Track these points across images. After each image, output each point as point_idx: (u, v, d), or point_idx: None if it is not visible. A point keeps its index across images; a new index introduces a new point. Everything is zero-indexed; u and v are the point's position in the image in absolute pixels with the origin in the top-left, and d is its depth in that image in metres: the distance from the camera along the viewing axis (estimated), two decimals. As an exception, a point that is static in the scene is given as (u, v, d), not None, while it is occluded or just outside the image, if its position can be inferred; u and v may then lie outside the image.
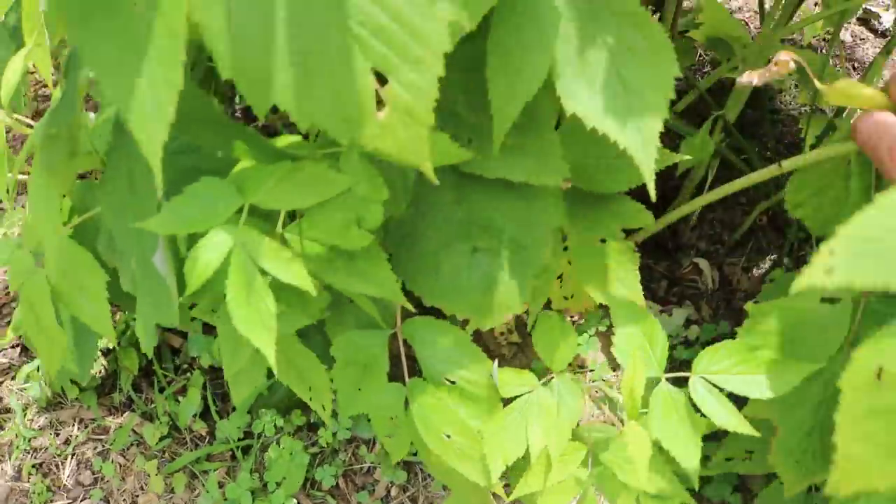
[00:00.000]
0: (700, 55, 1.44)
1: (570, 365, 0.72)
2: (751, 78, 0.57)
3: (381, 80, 0.36)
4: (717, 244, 1.15)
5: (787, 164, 0.64)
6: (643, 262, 1.14)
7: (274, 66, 0.35)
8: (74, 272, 0.64)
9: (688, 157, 0.73)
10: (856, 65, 1.53)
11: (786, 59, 0.55)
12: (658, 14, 0.89)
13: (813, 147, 1.09)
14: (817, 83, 0.53)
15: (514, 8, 0.48)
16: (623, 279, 0.77)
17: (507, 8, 0.48)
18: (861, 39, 1.57)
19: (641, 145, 0.48)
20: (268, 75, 0.35)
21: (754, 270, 1.13)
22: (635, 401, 0.57)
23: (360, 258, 0.53)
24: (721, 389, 0.60)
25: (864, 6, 1.62)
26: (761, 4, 1.06)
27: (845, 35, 1.62)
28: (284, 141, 0.49)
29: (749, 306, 0.66)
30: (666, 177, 1.22)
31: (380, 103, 0.37)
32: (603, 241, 0.76)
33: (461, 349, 0.63)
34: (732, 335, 1.05)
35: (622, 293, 0.77)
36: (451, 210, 0.57)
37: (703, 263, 1.11)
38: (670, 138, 1.03)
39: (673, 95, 0.47)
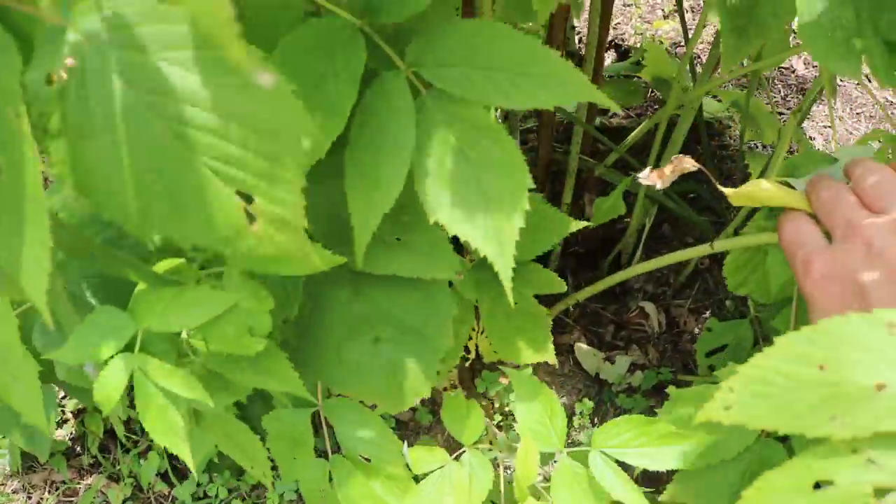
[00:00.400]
0: (651, 92, 1.47)
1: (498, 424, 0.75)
2: (653, 181, 0.60)
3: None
4: (664, 286, 1.18)
5: (718, 245, 0.67)
6: (592, 306, 1.17)
7: (147, 205, 0.37)
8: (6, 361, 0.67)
9: (591, 224, 0.76)
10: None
11: (680, 163, 0.58)
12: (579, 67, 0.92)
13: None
14: (719, 187, 0.56)
15: (368, 123, 0.50)
16: (535, 341, 0.80)
17: (362, 123, 0.50)
18: (814, 66, 1.60)
19: (500, 253, 0.50)
20: (144, 212, 0.38)
21: (701, 312, 1.15)
22: (528, 479, 0.59)
23: (262, 357, 0.56)
24: (620, 463, 0.62)
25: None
26: (689, 55, 1.08)
27: (797, 63, 1.64)
28: (166, 265, 0.52)
29: (671, 390, 0.68)
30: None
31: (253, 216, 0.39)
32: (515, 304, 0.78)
33: (374, 429, 0.66)
34: (675, 382, 1.07)
35: (533, 356, 0.79)
36: (348, 305, 0.60)
37: (650, 307, 1.14)
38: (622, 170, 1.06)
39: (527, 206, 0.49)
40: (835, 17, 0.57)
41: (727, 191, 0.55)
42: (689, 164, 0.57)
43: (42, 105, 0.35)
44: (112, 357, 0.51)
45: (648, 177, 0.59)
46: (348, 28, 0.50)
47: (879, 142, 0.70)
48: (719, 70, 0.98)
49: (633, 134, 0.97)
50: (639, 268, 0.79)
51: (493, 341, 0.79)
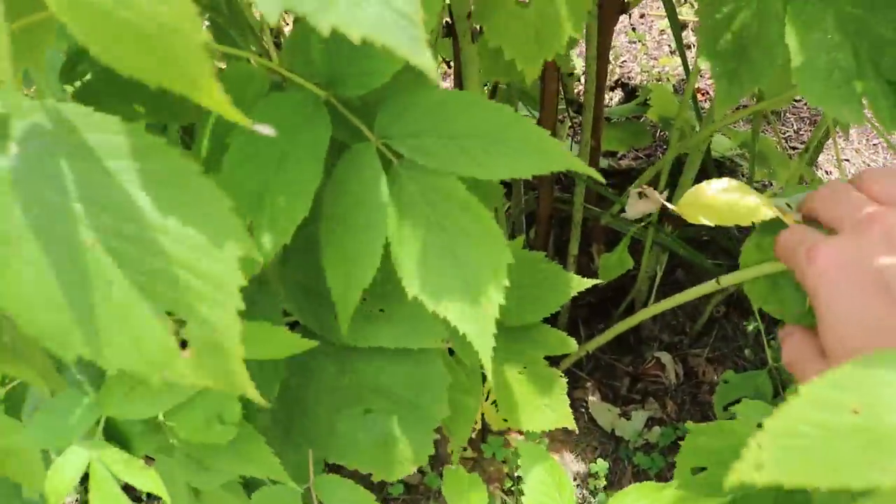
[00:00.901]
0: (660, 132, 1.44)
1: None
2: (639, 212, 0.57)
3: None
4: (681, 334, 1.13)
5: (725, 279, 0.64)
6: (606, 358, 1.13)
7: (70, 323, 0.35)
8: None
9: (599, 281, 0.72)
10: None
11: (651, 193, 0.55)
12: (579, 118, 0.89)
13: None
14: (669, 206, 0.53)
15: (340, 197, 0.48)
16: (550, 404, 0.77)
17: (335, 197, 0.48)
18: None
19: (479, 332, 0.47)
20: (64, 332, 0.35)
21: (720, 361, 1.10)
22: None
23: (239, 441, 0.53)
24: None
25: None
26: (694, 99, 1.05)
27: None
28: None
29: (689, 426, 0.64)
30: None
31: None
32: (521, 372, 0.75)
33: (367, 510, 0.62)
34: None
35: (551, 419, 0.76)
36: (336, 378, 0.57)
37: (666, 357, 1.09)
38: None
39: (506, 282, 0.46)
40: (831, 58, 0.54)
41: (675, 207, 0.52)
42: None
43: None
44: (69, 444, 0.49)
45: (633, 211, 0.57)
46: (311, 102, 0.47)
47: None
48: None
49: (637, 181, 0.94)
50: (648, 311, 0.76)
51: (502, 409, 0.76)
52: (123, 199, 0.33)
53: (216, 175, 0.46)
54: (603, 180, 0.47)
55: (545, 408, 0.76)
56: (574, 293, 0.74)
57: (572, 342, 0.75)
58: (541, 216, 0.88)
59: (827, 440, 0.30)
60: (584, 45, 0.80)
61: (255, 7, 0.27)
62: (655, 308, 0.75)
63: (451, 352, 0.70)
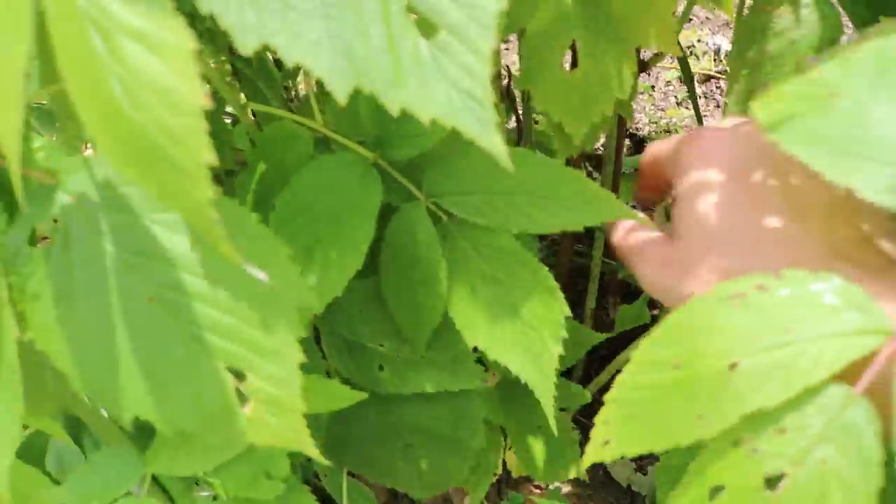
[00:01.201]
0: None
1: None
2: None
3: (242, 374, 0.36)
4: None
5: None
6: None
7: (126, 382, 0.35)
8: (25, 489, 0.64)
9: (613, 334, 0.73)
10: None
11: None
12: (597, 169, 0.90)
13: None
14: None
15: (396, 256, 0.49)
16: (562, 458, 0.77)
17: (391, 256, 0.50)
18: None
19: (541, 381, 0.49)
20: (119, 391, 0.35)
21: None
22: None
23: (286, 496, 0.53)
24: None
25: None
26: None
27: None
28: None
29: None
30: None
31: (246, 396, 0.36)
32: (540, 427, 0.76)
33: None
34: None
35: (562, 473, 0.76)
36: (377, 421, 0.59)
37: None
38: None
39: (565, 333, 0.47)
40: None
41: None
42: None
43: (22, 265, 0.33)
44: (115, 501, 0.49)
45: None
46: (361, 163, 0.48)
47: None
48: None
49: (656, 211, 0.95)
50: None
51: (520, 461, 0.76)
52: (180, 251, 0.33)
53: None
54: (645, 220, 0.46)
55: (557, 459, 0.77)
56: (590, 347, 0.75)
57: (587, 394, 0.76)
58: (560, 269, 0.88)
59: (656, 401, 0.30)
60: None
61: (326, 85, 0.26)
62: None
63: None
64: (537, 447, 0.76)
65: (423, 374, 0.55)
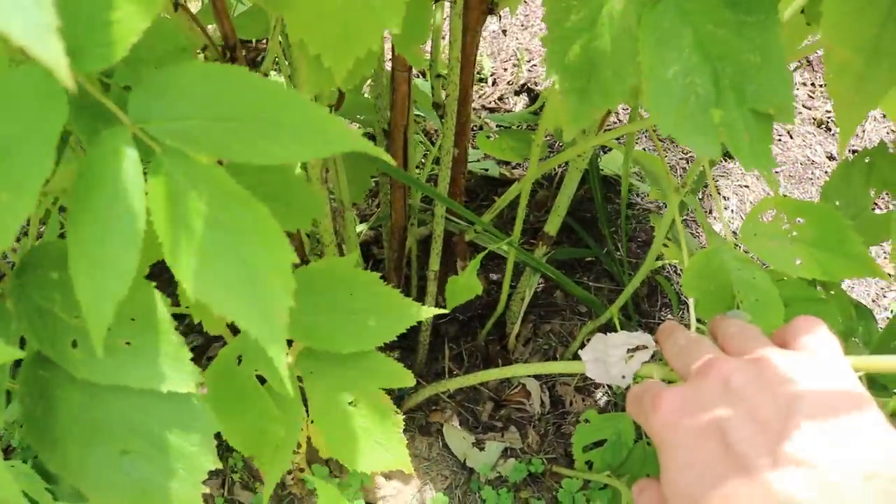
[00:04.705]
0: (558, 144, 1.38)
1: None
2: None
3: None
4: (552, 360, 1.07)
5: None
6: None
7: None
8: None
9: (443, 311, 0.65)
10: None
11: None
12: (442, 119, 0.81)
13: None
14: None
15: (89, 194, 0.40)
16: (383, 443, 0.69)
17: (83, 194, 0.40)
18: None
19: (272, 336, 0.41)
20: None
21: (589, 391, 1.05)
22: None
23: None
24: None
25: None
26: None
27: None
28: None
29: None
30: (493, 282, 1.15)
31: None
32: (352, 403, 0.67)
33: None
34: (553, 475, 0.96)
35: (385, 460, 0.69)
36: (83, 410, 0.48)
37: (532, 384, 1.03)
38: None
39: (294, 284, 0.39)
40: (688, 83, 0.48)
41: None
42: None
43: None
44: None
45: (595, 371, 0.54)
46: (45, 79, 0.38)
47: (772, 210, 0.62)
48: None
49: (500, 200, 0.86)
50: (515, 368, 0.70)
51: (329, 444, 0.68)
52: None
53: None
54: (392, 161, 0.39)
55: (379, 446, 0.69)
56: (415, 322, 0.67)
57: (410, 376, 0.68)
58: (393, 227, 0.80)
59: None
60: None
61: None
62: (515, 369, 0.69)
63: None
64: (350, 428, 0.68)
65: (124, 364, 0.45)
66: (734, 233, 1.39)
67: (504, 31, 1.76)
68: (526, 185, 0.81)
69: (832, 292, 0.72)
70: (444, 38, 1.17)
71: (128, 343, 0.45)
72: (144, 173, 0.39)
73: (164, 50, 0.46)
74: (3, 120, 0.38)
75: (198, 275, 0.40)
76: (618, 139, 1.03)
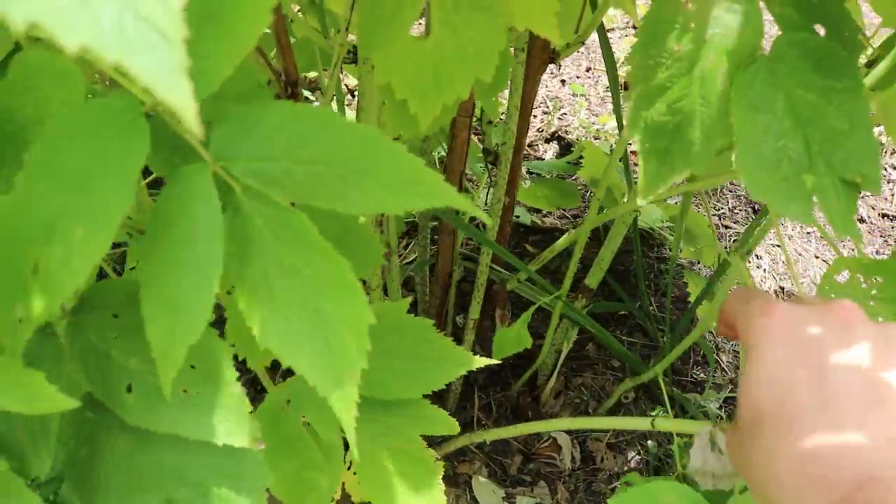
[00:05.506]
0: (590, 193, 1.37)
1: None
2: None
3: None
4: (583, 414, 1.04)
5: (660, 423, 0.56)
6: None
7: None
8: None
9: (494, 360, 0.63)
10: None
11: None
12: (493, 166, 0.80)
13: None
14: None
15: (165, 234, 0.38)
16: (423, 492, 0.67)
17: (158, 234, 0.38)
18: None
19: (339, 393, 0.39)
20: None
21: (621, 448, 1.02)
22: None
23: None
24: None
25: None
26: (626, 164, 0.98)
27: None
28: None
29: None
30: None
31: None
32: (397, 450, 0.65)
33: None
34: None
35: (423, 507, 0.66)
36: (130, 458, 0.46)
37: (563, 438, 1.00)
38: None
39: (368, 345, 0.37)
40: (780, 146, 0.46)
41: None
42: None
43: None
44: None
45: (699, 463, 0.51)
46: (130, 110, 0.37)
47: (845, 270, 0.60)
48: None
49: (550, 248, 0.85)
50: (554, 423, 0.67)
51: (367, 492, 0.65)
52: None
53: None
54: (489, 220, 0.37)
55: (417, 496, 0.66)
56: (465, 371, 0.65)
57: (454, 424, 0.66)
58: (439, 273, 0.78)
59: None
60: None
61: None
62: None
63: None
64: (389, 473, 0.66)
65: (179, 413, 0.43)
66: (775, 292, 1.37)
67: (536, 77, 1.76)
68: (582, 237, 0.79)
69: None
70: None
71: (185, 391, 0.43)
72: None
73: (245, 86, 0.45)
74: (81, 152, 0.36)
75: (267, 323, 0.38)
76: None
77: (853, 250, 1.47)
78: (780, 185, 0.46)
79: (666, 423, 0.54)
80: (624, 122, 0.81)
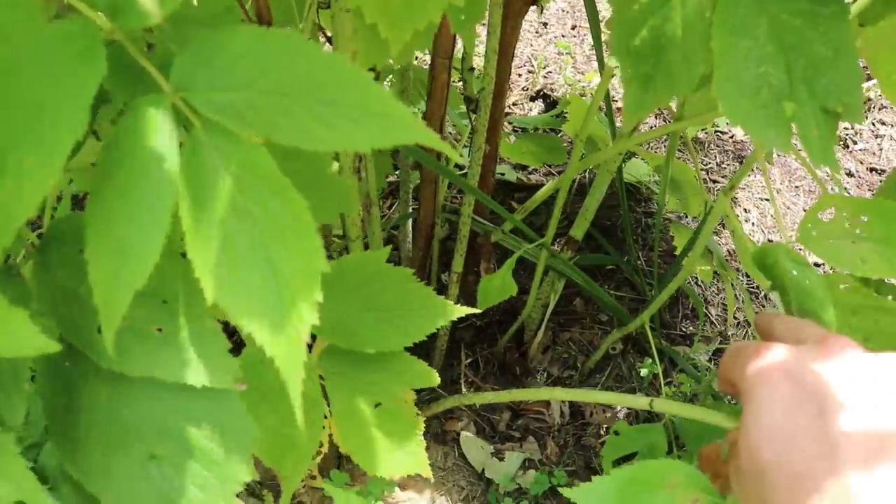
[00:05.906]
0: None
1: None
2: None
3: None
4: (571, 369, 1.04)
5: (658, 404, 0.54)
6: (488, 388, 1.03)
7: None
8: None
9: (475, 310, 0.62)
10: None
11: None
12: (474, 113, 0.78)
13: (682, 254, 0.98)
14: None
15: (115, 169, 0.36)
16: (404, 446, 0.66)
17: (108, 168, 0.36)
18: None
19: (287, 357, 0.36)
20: None
21: (609, 401, 1.01)
22: None
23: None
24: None
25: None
26: (610, 116, 0.96)
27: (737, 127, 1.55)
28: None
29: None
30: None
31: None
32: (378, 404, 0.64)
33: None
34: (570, 485, 0.93)
35: (405, 464, 0.65)
36: (109, 408, 0.44)
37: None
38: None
39: (320, 297, 0.35)
40: (761, 72, 0.45)
41: None
42: None
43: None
44: None
45: None
46: (86, 35, 0.35)
47: (830, 209, 0.59)
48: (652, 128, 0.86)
49: (533, 198, 0.83)
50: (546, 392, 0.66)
51: (348, 446, 0.64)
52: None
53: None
54: (459, 158, 0.36)
55: (398, 450, 0.65)
56: (447, 322, 0.64)
57: (435, 376, 0.65)
58: (421, 224, 0.77)
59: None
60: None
61: None
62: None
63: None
64: (370, 431, 0.65)
65: (155, 353, 0.41)
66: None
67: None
68: (565, 184, 0.78)
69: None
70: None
71: (159, 329, 0.41)
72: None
73: (214, 8, 0.43)
74: (36, 77, 0.35)
75: (216, 273, 0.35)
76: (648, 147, 1.00)
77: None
78: (758, 111, 0.44)
79: (664, 404, 0.53)
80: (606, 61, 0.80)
